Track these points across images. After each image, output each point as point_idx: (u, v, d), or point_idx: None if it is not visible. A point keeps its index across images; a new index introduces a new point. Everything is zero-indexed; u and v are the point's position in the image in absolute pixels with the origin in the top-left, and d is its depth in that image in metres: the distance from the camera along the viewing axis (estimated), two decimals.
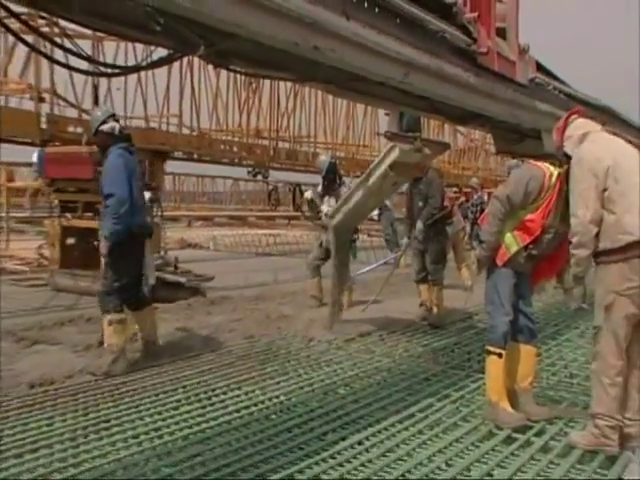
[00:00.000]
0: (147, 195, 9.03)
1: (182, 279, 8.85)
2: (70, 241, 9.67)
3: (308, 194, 8.45)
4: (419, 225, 7.13)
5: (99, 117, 5.44)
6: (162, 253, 9.52)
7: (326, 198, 8.05)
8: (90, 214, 9.56)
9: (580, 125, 3.86)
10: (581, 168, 3.63)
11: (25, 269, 10.68)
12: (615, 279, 3.53)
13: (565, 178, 3.93)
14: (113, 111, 5.80)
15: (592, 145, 3.73)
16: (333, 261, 6.79)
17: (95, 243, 9.61)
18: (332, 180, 8.11)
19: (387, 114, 6.81)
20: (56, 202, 10.22)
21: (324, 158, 8.63)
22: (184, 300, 8.35)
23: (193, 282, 9.02)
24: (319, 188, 8.38)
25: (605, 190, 3.53)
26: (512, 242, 4.05)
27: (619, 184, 3.53)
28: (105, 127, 5.33)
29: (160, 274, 8.61)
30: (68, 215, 9.79)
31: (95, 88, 8.40)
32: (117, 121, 5.49)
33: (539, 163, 4.18)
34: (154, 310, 5.70)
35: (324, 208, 7.74)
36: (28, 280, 10.18)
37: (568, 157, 3.82)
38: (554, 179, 3.98)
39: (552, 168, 4.07)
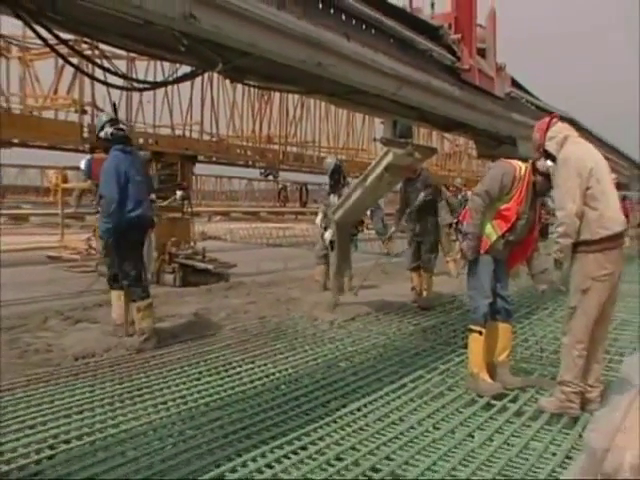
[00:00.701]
0: (179, 193, 9.13)
1: (210, 266, 8.92)
2: None
3: (328, 235, 7.73)
4: (419, 200, 7.07)
5: (98, 125, 5.33)
6: (192, 244, 9.54)
7: (332, 196, 7.92)
8: None
9: (561, 128, 3.84)
10: (567, 168, 3.62)
11: (77, 257, 10.78)
12: (592, 267, 3.56)
13: (532, 170, 4.00)
14: (112, 116, 5.54)
15: (575, 147, 3.72)
16: (336, 251, 6.78)
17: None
18: (337, 180, 7.98)
19: (382, 122, 6.77)
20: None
21: (330, 160, 8.45)
22: (208, 284, 8.41)
23: (219, 269, 9.07)
24: (326, 187, 8.24)
25: (588, 189, 3.55)
26: (492, 232, 4.07)
27: (600, 184, 3.58)
28: (101, 134, 5.20)
29: (192, 262, 8.73)
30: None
31: (114, 106, 8.47)
32: (113, 125, 5.25)
33: (510, 160, 4.21)
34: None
35: (327, 236, 7.54)
36: (79, 267, 10.29)
37: (547, 154, 3.81)
38: (523, 171, 4.02)
39: (521, 163, 4.11)
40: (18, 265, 10.12)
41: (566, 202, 3.57)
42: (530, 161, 4.07)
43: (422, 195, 7.10)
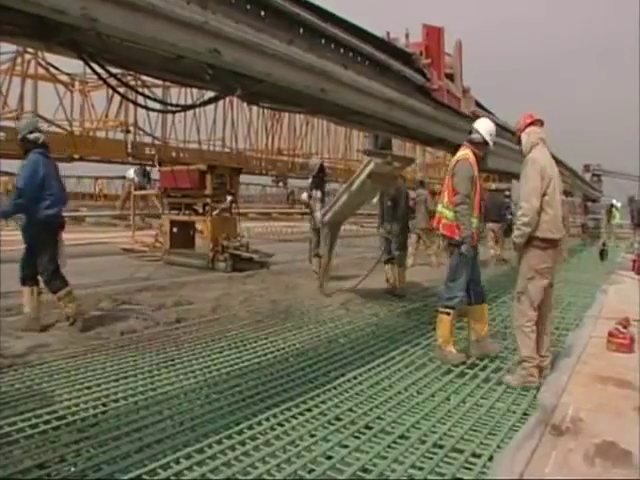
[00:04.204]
0: (228, 198, 9.33)
1: (254, 255, 9.10)
2: (175, 230, 9.99)
3: (304, 196, 7.82)
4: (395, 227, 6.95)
5: (26, 126, 4.82)
6: (239, 238, 9.65)
7: (314, 191, 7.67)
8: (188, 212, 9.92)
9: (537, 132, 3.78)
10: (534, 169, 3.60)
11: (146, 249, 10.90)
12: (536, 260, 3.60)
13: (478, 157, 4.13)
14: (38, 124, 5.17)
15: (541, 155, 3.69)
16: (327, 247, 6.62)
17: (190, 232, 10.07)
18: (321, 178, 7.78)
19: (366, 136, 6.48)
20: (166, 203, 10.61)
21: (316, 160, 8.12)
22: (252, 270, 8.62)
23: (261, 258, 9.21)
24: (309, 181, 7.95)
25: (545, 195, 3.55)
26: (474, 220, 4.09)
27: (554, 193, 3.59)
28: (31, 136, 4.68)
29: (239, 252, 8.94)
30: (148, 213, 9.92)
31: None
32: (41, 132, 4.89)
33: (465, 154, 4.15)
34: (40, 293, 4.87)
35: (317, 215, 7.32)
36: (148, 257, 10.34)
37: (519, 141, 3.81)
38: (472, 157, 4.09)
39: (465, 151, 4.15)
40: (98, 255, 10.24)
41: (531, 197, 3.56)
42: (466, 144, 4.17)
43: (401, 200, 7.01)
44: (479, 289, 4.24)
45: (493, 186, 14.30)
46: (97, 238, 12.82)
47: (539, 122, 3.82)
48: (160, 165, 10.88)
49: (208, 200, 9.41)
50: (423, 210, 10.22)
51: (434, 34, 4.86)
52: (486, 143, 4.16)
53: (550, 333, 3.87)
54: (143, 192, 14.09)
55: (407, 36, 4.65)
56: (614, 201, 23.63)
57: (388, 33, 4.43)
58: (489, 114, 6.59)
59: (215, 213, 9.26)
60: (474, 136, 4.16)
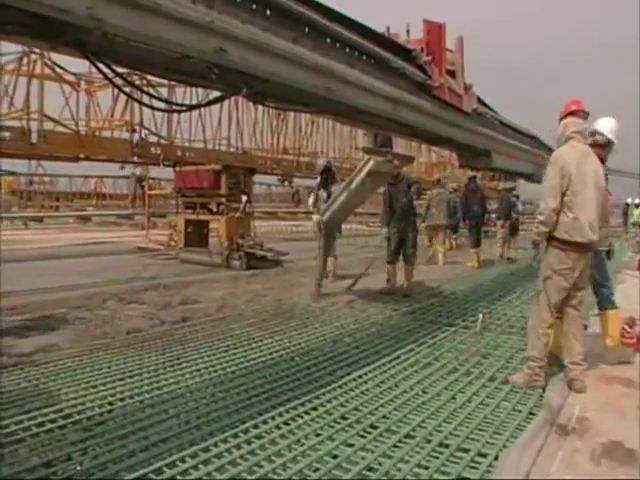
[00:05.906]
0: (244, 198, 9.47)
1: (268, 254, 9.24)
2: (190, 229, 10.14)
3: (310, 202, 7.81)
4: (402, 202, 6.83)
5: None
6: (253, 236, 9.76)
7: (321, 191, 7.69)
8: (203, 211, 10.07)
9: (577, 123, 3.61)
10: (554, 167, 3.48)
11: (161, 247, 11.00)
12: (554, 260, 3.49)
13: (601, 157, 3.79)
14: None
15: (568, 150, 3.52)
16: (321, 248, 6.54)
17: (205, 230, 10.24)
18: (326, 179, 7.72)
19: (365, 134, 6.36)
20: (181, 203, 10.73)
21: (321, 162, 8.18)
22: (266, 269, 8.77)
23: (275, 256, 9.30)
24: (317, 181, 7.94)
25: (565, 195, 3.41)
26: None
27: (577, 196, 3.42)
28: None
29: (253, 250, 9.13)
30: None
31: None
32: None
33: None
34: None
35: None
36: (162, 255, 10.47)
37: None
38: None
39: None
40: (104, 255, 10.31)
41: (548, 197, 3.45)
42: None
43: (408, 196, 6.84)
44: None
45: (500, 186, 14.34)
46: (107, 237, 12.92)
47: (582, 113, 3.62)
48: (175, 166, 11.05)
49: (223, 200, 9.54)
50: (444, 207, 10.24)
51: (435, 30, 4.80)
52: (609, 142, 3.93)
53: (580, 336, 3.59)
54: (155, 192, 14.21)
55: (408, 32, 4.61)
56: (629, 200, 23.47)
57: (388, 28, 4.39)
58: (492, 111, 6.55)
59: (236, 214, 9.35)
60: (598, 137, 3.91)
